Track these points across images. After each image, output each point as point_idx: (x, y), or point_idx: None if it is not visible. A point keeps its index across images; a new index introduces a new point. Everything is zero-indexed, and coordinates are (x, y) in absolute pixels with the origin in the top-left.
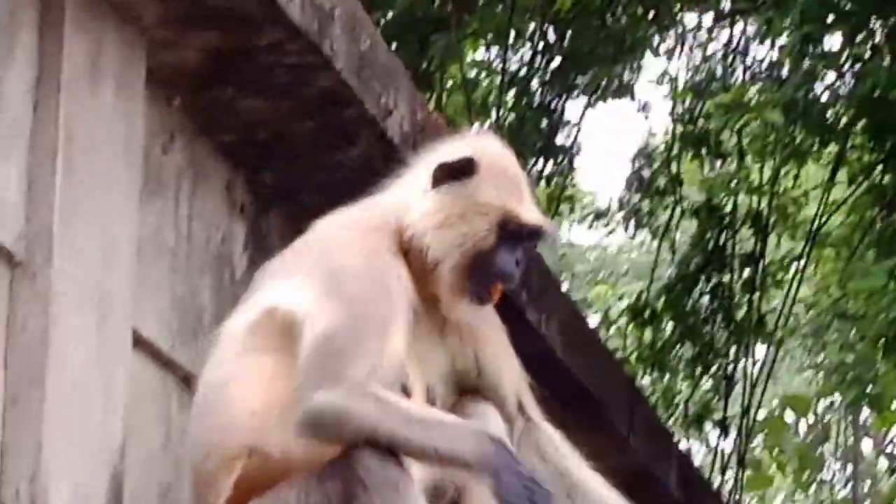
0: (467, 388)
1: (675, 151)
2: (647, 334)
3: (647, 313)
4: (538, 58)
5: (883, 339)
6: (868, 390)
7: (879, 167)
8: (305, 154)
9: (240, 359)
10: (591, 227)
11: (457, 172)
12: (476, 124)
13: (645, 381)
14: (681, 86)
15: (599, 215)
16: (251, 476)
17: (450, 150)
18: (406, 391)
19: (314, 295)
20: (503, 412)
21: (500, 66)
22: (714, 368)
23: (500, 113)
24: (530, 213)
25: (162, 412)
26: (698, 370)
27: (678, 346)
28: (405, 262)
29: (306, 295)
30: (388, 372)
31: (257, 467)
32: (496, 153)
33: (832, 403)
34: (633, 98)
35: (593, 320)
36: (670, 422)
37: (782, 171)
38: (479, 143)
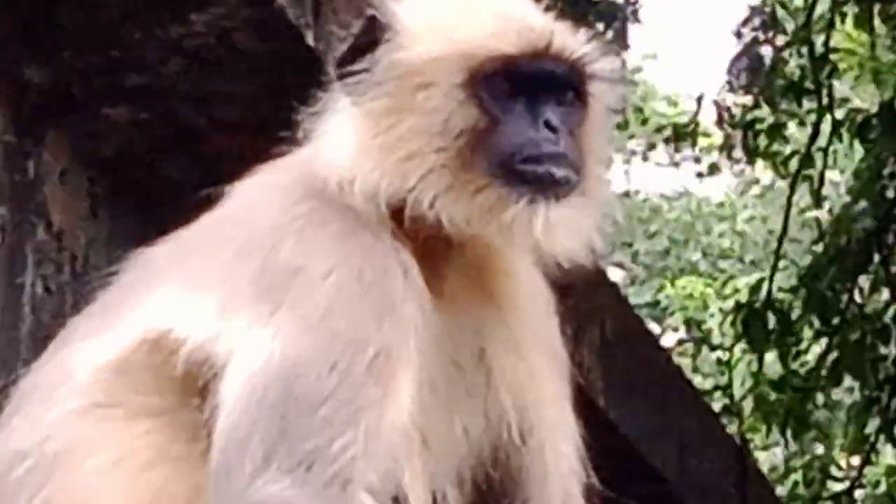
0: (491, 484)
1: (820, 12)
2: (772, 360)
3: (771, 321)
4: None
5: None
6: None
7: None
8: (106, 28)
9: (86, 420)
10: (670, 162)
11: (363, 53)
12: None
13: (772, 453)
14: None
15: (681, 137)
16: None
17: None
18: None
19: (247, 314)
20: None
21: None
22: None
23: None
24: (515, 38)
25: None
26: (872, 429)
27: (831, 382)
28: (410, 244)
29: (229, 314)
30: (385, 458)
31: None
32: None
33: None
34: None
35: (671, 339)
36: None
37: None
38: None
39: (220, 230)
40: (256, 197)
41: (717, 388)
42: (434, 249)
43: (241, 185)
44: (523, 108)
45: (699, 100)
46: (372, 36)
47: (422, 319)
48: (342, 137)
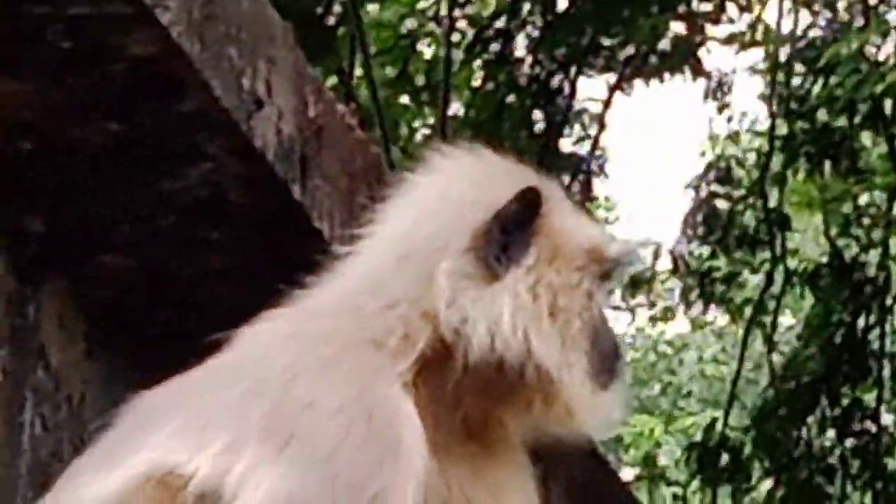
0: None
1: (773, 168)
2: (725, 496)
3: (722, 459)
4: (525, 4)
5: None
6: None
7: None
8: (104, 181)
9: None
10: (625, 306)
11: (518, 219)
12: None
13: None
14: (783, 52)
15: (637, 284)
16: None
17: (434, 183)
18: None
19: (259, 450)
20: None
21: (448, 8)
22: None
23: (450, 93)
24: (615, 243)
25: None
26: None
27: None
28: (424, 395)
29: (235, 452)
30: None
31: None
32: (527, 169)
33: None
34: (696, 74)
35: (629, 474)
36: None
37: None
38: (469, 160)
39: (230, 371)
40: (271, 340)
41: None
42: (442, 401)
43: (250, 331)
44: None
45: (656, 251)
46: (529, 207)
47: (421, 467)
48: (489, 300)
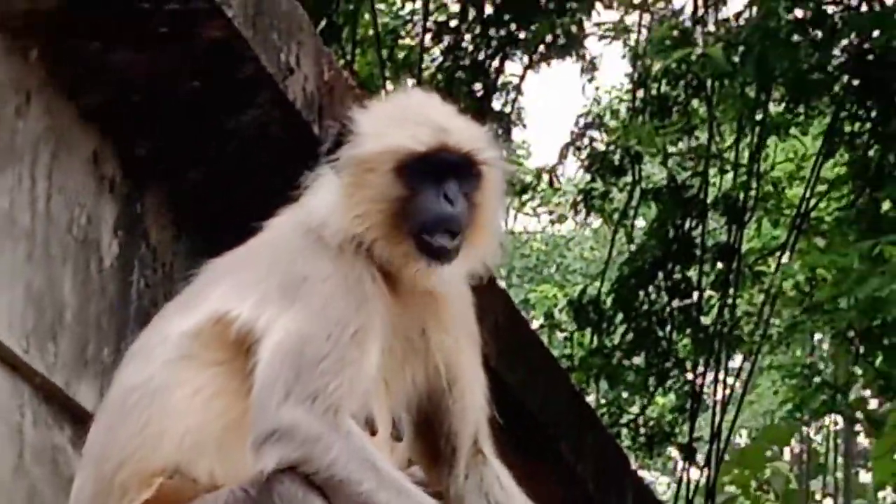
0: (428, 413)
1: (632, 121)
2: (595, 339)
3: (592, 313)
4: (470, 6)
5: (853, 334)
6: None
7: (865, 137)
8: (188, 120)
9: (174, 367)
10: (534, 212)
11: (339, 146)
12: (394, 85)
13: (592, 396)
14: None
15: (525, 192)
16: (168, 496)
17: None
18: (371, 424)
19: (276, 306)
20: (457, 442)
21: (423, 14)
22: (677, 382)
23: (422, 71)
24: (422, 139)
25: (12, 428)
26: (652, 383)
27: (630, 352)
28: (375, 265)
29: (264, 305)
30: (362, 395)
31: (177, 489)
32: (384, 102)
33: (824, 427)
34: (579, 56)
35: (535, 324)
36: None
37: (764, 146)
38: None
39: (258, 251)
40: (278, 233)
41: (562, 356)
42: (387, 270)
43: (269, 224)
44: (432, 184)
45: (539, 174)
46: (344, 136)
47: (384, 309)
48: (327, 198)
